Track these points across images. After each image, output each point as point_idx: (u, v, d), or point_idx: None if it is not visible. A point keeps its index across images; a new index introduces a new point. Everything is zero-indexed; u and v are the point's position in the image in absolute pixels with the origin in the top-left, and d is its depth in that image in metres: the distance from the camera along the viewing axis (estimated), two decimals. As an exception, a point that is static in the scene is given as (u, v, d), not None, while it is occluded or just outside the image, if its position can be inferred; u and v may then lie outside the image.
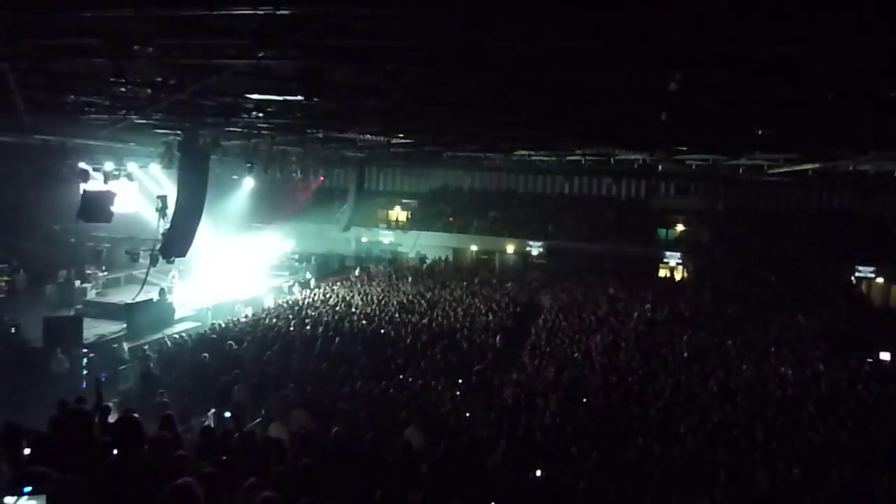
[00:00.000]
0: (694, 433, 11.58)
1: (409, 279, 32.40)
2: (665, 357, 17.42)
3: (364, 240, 40.78)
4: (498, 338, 19.95)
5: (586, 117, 11.63)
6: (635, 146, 16.29)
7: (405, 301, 25.45)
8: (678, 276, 35.06)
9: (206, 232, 27.46)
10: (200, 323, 23.19)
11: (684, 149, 16.31)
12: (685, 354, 17.62)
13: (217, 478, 4.20)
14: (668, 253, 34.96)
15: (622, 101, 9.60)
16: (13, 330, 19.02)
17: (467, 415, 13.50)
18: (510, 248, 37.75)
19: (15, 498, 3.15)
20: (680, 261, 34.87)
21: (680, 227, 36.91)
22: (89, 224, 23.02)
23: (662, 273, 35.27)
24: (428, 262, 38.64)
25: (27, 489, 3.15)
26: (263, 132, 18.72)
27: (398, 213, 42.17)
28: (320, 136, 17.83)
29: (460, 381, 15.74)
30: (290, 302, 26.50)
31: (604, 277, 31.76)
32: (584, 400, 13.82)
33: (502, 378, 16.27)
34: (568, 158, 23.89)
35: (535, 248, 37.05)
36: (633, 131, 13.01)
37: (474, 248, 38.90)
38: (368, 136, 17.30)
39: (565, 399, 13.94)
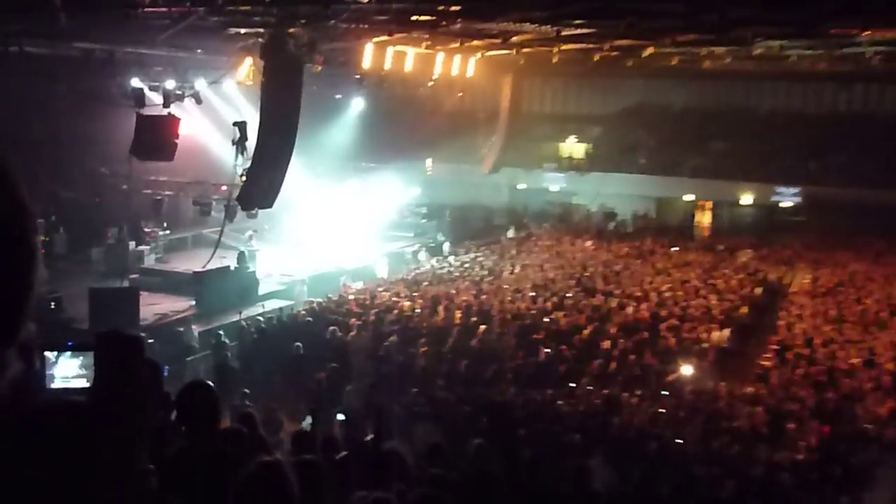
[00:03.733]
0: None
1: (590, 244, 32.29)
2: None
3: (521, 187, 41.46)
4: (726, 333, 19.43)
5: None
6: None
7: (582, 276, 25.42)
8: None
9: (299, 175, 29.00)
10: (292, 301, 24.64)
11: None
12: None
13: (319, 467, 4.45)
14: None
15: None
16: (52, 305, 20.37)
17: (677, 441, 13.33)
18: (745, 198, 36.63)
19: (56, 353, 3.72)
20: None
21: None
22: (145, 164, 25.14)
23: None
24: (618, 219, 38.27)
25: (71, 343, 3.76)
26: (379, 25, 19.19)
27: (572, 148, 41.91)
28: (457, 26, 17.95)
29: (665, 393, 15.55)
30: (416, 274, 27.54)
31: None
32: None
33: (731, 391, 15.92)
34: (845, 52, 22.36)
35: (787, 198, 35.50)
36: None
37: (689, 197, 38.00)
38: (527, 24, 17.18)
39: (826, 427, 13.43)
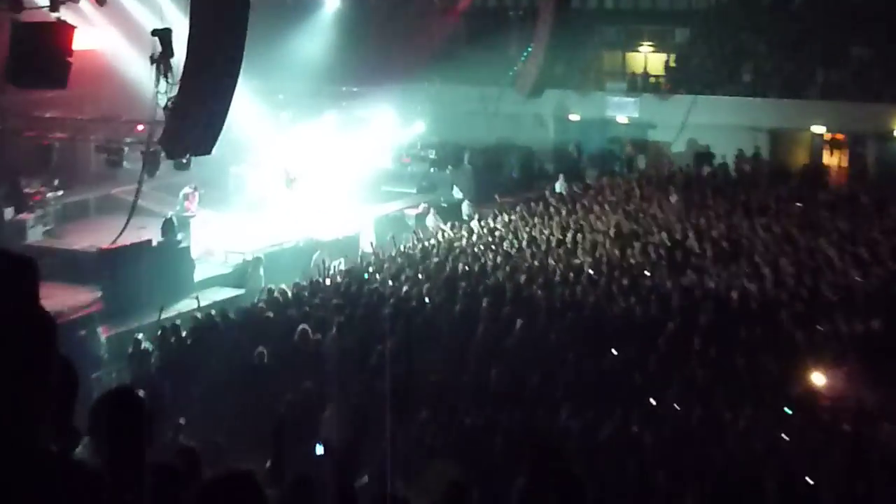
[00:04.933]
0: None
1: (674, 199, 32.16)
2: None
3: (573, 118, 41.52)
4: (876, 324, 19.34)
5: None
6: None
7: (664, 246, 25.36)
8: None
9: (251, 106, 29.09)
10: (243, 290, 24.87)
11: None
12: None
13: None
14: None
15: None
16: None
17: (807, 481, 13.33)
18: (903, 130, 36.36)
19: None
20: None
21: None
22: (25, 94, 25.03)
23: None
24: (714, 161, 38.12)
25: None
26: None
27: (646, 59, 41.70)
28: None
29: (788, 410, 15.53)
30: (422, 247, 27.64)
31: None
32: None
33: (885, 407, 15.86)
34: None
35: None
36: None
37: (818, 129, 37.79)
38: None
39: None
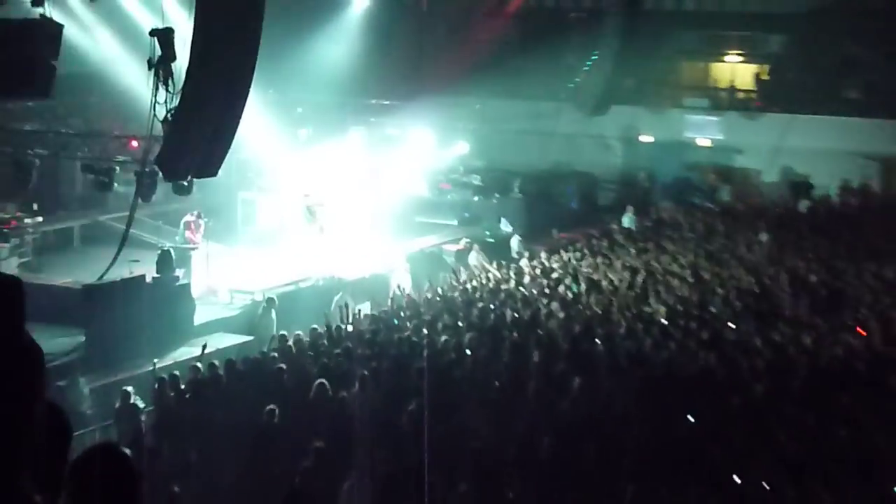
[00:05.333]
0: None
1: (766, 238, 31.99)
2: None
3: (645, 139, 41.72)
4: None
5: None
6: None
7: (752, 293, 25.42)
8: None
9: (264, 122, 29.14)
10: (252, 336, 25.06)
11: None
12: None
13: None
14: None
15: None
16: None
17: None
18: None
19: None
20: None
21: None
22: (3, 106, 25.11)
23: None
24: (814, 193, 37.79)
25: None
26: None
27: (733, 70, 41.71)
28: None
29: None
30: (463, 289, 27.69)
31: None
32: None
33: None
34: None
35: None
36: None
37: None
38: None
39: None
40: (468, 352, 21.12)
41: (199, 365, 21.76)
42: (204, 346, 23.49)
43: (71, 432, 4.65)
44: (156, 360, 22.11)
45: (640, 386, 19.20)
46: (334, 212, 31.21)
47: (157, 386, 20.52)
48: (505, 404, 18.61)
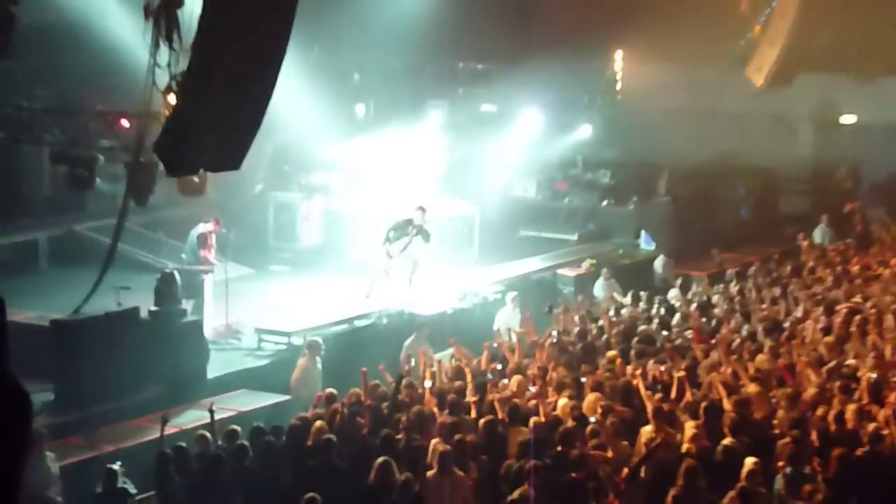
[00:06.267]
0: None
1: None
2: None
3: (847, 120, 41.62)
4: None
5: None
6: None
7: None
8: None
9: (308, 92, 29.02)
10: (288, 396, 25.00)
11: None
12: None
13: None
14: None
15: None
16: None
17: None
18: None
19: None
20: None
21: None
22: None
23: None
24: None
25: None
26: None
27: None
28: None
29: None
30: (585, 331, 27.40)
31: None
32: None
33: None
34: None
35: None
36: None
37: None
38: None
39: None
40: (591, 424, 20.68)
41: (209, 434, 21.66)
42: (212, 410, 22.73)
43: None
44: (178, 416, 22.16)
45: (841, 473, 18.80)
46: (402, 220, 31.12)
47: (156, 464, 20.53)
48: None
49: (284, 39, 20.01)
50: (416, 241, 30.33)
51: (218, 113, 19.80)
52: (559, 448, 18.93)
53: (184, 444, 20.83)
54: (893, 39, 39.85)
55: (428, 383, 23.31)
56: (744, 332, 26.16)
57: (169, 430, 21.56)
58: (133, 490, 19.83)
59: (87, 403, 23.53)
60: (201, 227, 28.95)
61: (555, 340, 26.68)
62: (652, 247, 34.69)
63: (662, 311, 28.45)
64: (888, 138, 40.14)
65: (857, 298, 28.51)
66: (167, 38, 20.55)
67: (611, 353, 24.86)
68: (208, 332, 26.23)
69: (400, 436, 20.28)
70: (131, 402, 23.40)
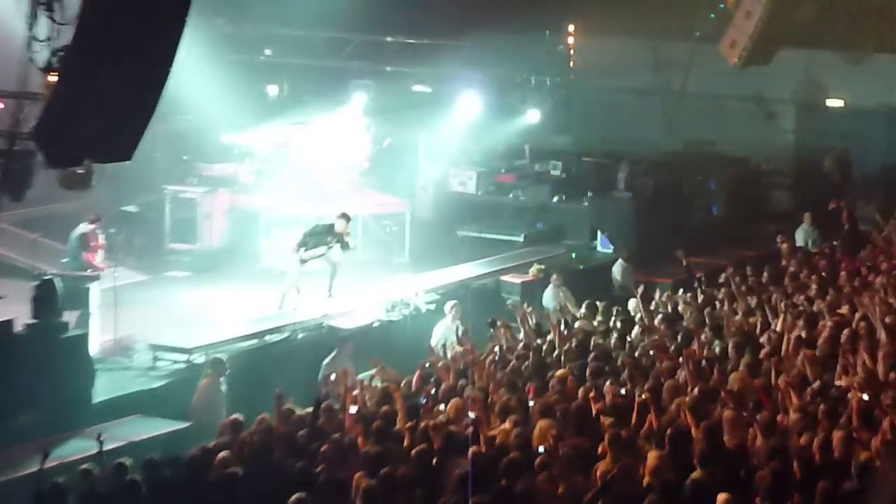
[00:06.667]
0: None
1: None
2: None
3: (834, 104, 41.86)
4: None
5: None
6: None
7: None
8: None
9: (210, 72, 29.17)
10: (188, 423, 24.86)
11: None
12: None
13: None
14: None
15: None
16: None
17: None
18: None
19: None
20: None
21: None
22: None
23: None
24: None
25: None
26: None
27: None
28: None
29: None
30: (535, 347, 27.64)
31: None
32: None
33: None
34: None
35: None
36: None
37: None
38: None
39: None
40: (541, 450, 20.91)
41: (94, 469, 21.57)
42: (100, 439, 22.37)
43: None
44: (34, 460, 22.07)
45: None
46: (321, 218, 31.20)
47: (45, 497, 20.46)
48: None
49: (184, 8, 19.99)
50: (335, 250, 30.46)
51: (106, 94, 19.76)
52: (503, 482, 19.01)
53: (62, 481, 20.73)
54: (885, 12, 40.18)
55: (353, 408, 23.36)
56: (715, 348, 26.33)
57: (49, 464, 21.46)
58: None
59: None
60: (82, 227, 28.98)
61: (497, 358, 26.83)
62: (610, 250, 34.81)
63: (620, 323, 28.37)
64: (880, 124, 40.42)
65: (845, 310, 28.67)
66: (47, 7, 20.48)
67: (561, 371, 24.93)
68: (94, 348, 26.17)
69: (319, 468, 20.34)
70: (3, 430, 23.13)
